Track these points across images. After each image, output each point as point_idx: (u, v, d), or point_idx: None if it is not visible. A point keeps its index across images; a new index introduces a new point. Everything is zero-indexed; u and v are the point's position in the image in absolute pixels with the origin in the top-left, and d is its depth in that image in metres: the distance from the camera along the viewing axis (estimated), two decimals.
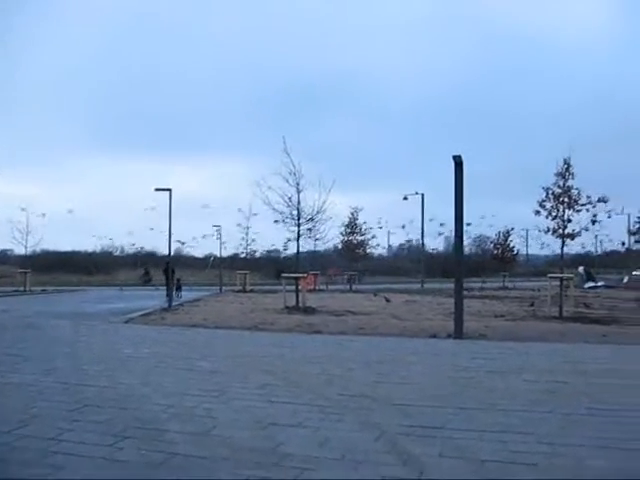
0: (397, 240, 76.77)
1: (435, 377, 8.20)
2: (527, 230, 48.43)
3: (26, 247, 38.70)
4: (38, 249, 45.95)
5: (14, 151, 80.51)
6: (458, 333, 12.66)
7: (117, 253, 70.29)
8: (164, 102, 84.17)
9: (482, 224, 52.66)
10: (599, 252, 59.81)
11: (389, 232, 64.89)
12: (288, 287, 21.47)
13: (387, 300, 24.73)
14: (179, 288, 31.78)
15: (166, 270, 31.91)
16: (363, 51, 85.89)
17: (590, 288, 37.03)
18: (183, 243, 55.95)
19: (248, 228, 37.70)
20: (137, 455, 4.72)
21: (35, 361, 9.20)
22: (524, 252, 56.70)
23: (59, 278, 48.46)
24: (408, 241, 70.23)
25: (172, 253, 27.52)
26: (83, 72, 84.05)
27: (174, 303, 22.63)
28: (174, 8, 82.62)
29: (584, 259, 50.09)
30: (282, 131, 60.15)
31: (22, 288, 33.45)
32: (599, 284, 40.49)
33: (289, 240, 22.57)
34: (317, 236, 22.82)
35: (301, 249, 22.68)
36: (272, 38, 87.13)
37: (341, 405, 6.35)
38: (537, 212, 18.78)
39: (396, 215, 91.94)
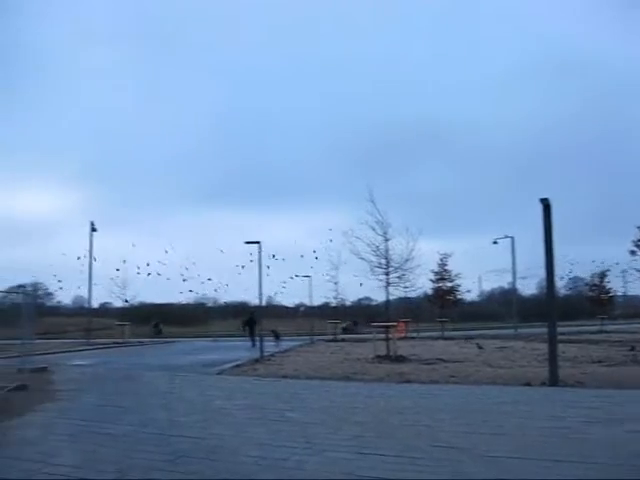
0: (489, 285, 75.36)
1: (528, 427, 7.96)
2: (625, 270, 46.64)
3: (123, 300, 40.35)
4: (135, 302, 47.74)
5: (112, 208, 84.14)
6: (553, 380, 12.27)
7: (210, 304, 71.77)
8: (255, 156, 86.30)
9: (576, 265, 51.08)
10: None
11: (480, 277, 63.91)
12: (378, 335, 21.37)
13: (479, 347, 24.26)
14: (277, 337, 32.56)
15: (249, 321, 33.13)
16: (451, 96, 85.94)
17: None
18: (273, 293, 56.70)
19: (337, 277, 38.01)
20: None
21: (131, 412, 9.50)
22: (622, 293, 54.60)
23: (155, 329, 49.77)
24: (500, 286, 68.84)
25: (263, 303, 27.89)
26: (177, 128, 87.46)
27: (266, 353, 22.79)
28: (260, 57, 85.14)
29: None
30: (370, 179, 60.50)
31: (120, 340, 34.57)
32: None
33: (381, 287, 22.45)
34: (406, 284, 22.70)
35: (391, 297, 22.63)
36: (360, 85, 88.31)
37: (432, 457, 6.27)
38: (632, 252, 18.16)
39: (487, 260, 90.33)
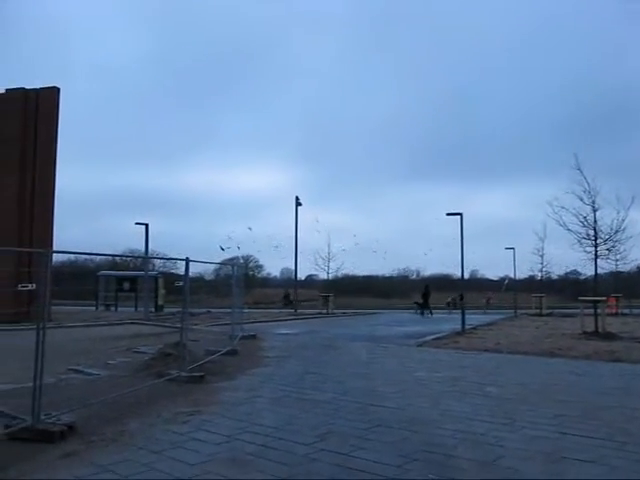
0: None
1: None
2: None
3: (328, 272, 41.72)
4: (339, 274, 49.14)
5: (324, 185, 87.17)
6: None
7: (413, 277, 72.06)
8: (464, 129, 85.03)
9: None
10: None
11: None
12: (586, 311, 20.27)
13: None
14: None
15: (425, 294, 37.44)
16: None
17: None
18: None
19: (543, 249, 36.56)
20: (423, 478, 4.81)
21: (333, 381, 9.80)
22: None
23: (358, 301, 50.78)
24: None
25: (465, 276, 27.49)
26: (384, 107, 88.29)
27: (468, 326, 22.41)
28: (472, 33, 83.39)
29: None
30: (577, 147, 57.34)
31: (325, 311, 35.71)
32: None
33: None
34: (617, 256, 21.27)
35: (601, 270, 21.33)
36: (570, 51, 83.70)
37: None
38: None
39: None
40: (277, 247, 47.69)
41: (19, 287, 19.38)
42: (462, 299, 46.64)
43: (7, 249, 17.42)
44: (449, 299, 43.67)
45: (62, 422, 5.99)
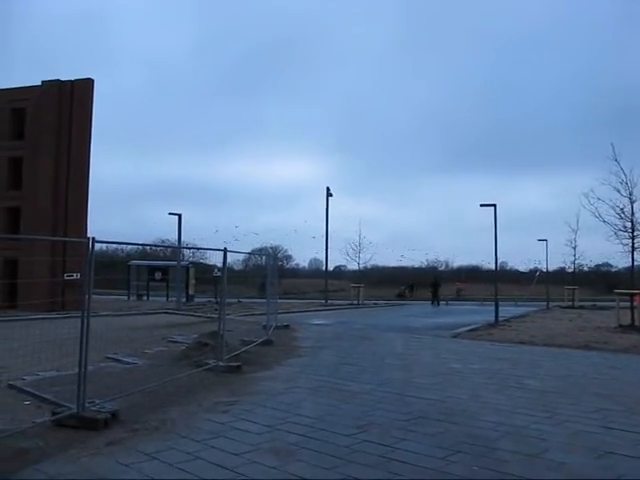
0: None
1: None
2: None
3: (359, 263, 41.72)
4: (369, 265, 49.08)
5: (356, 177, 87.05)
6: None
7: (442, 268, 71.64)
8: (497, 121, 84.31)
9: None
10: None
11: None
12: (622, 304, 19.97)
13: None
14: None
15: (433, 284, 38.97)
16: None
17: None
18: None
19: (575, 241, 36.14)
20: (468, 471, 4.80)
21: (370, 372, 9.79)
22: None
23: (387, 292, 50.59)
24: None
25: (497, 267, 27.19)
26: (417, 101, 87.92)
27: (501, 318, 22.23)
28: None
29: None
30: (615, 138, 56.42)
31: (356, 301, 35.63)
32: None
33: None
34: None
35: (636, 263, 21.04)
36: (603, 43, 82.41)
37: None
38: None
39: None
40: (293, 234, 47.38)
41: (65, 276, 19.58)
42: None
43: (50, 238, 17.54)
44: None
45: (106, 410, 6.08)
